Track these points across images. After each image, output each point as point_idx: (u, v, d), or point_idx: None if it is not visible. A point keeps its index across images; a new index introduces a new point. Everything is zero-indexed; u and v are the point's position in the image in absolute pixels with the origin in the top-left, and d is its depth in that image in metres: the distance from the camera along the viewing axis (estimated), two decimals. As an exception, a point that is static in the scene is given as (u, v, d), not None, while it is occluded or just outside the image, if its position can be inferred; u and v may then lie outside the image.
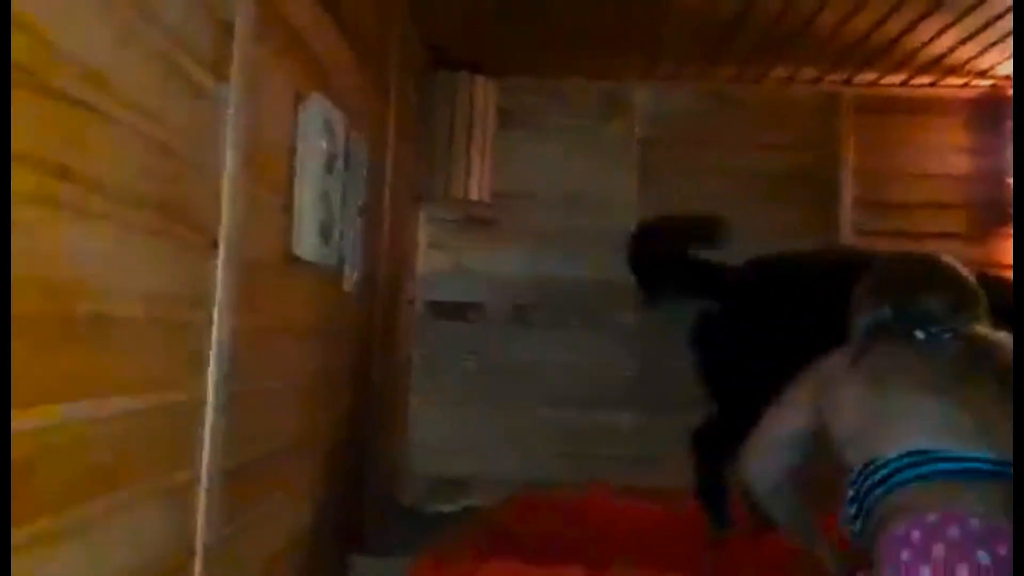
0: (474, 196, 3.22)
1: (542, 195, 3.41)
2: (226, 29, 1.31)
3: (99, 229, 1.00)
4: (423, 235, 3.37)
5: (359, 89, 2.22)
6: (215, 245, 1.31)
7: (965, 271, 1.56)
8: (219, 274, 1.32)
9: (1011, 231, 3.10)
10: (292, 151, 1.67)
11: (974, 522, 1.19)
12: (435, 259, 3.37)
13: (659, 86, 3.44)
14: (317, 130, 1.71)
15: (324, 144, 1.77)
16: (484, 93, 3.28)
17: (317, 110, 1.71)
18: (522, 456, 3.29)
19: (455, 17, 2.94)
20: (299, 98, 1.68)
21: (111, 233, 1.03)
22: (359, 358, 2.38)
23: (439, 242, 3.39)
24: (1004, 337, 1.43)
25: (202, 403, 1.29)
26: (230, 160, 1.34)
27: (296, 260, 1.69)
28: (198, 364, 1.28)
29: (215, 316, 1.31)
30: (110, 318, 1.04)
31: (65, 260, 0.91)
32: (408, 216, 3.14)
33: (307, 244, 1.68)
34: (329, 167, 1.78)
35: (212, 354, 1.31)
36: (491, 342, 3.35)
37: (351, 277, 2.10)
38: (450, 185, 3.19)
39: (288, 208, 1.66)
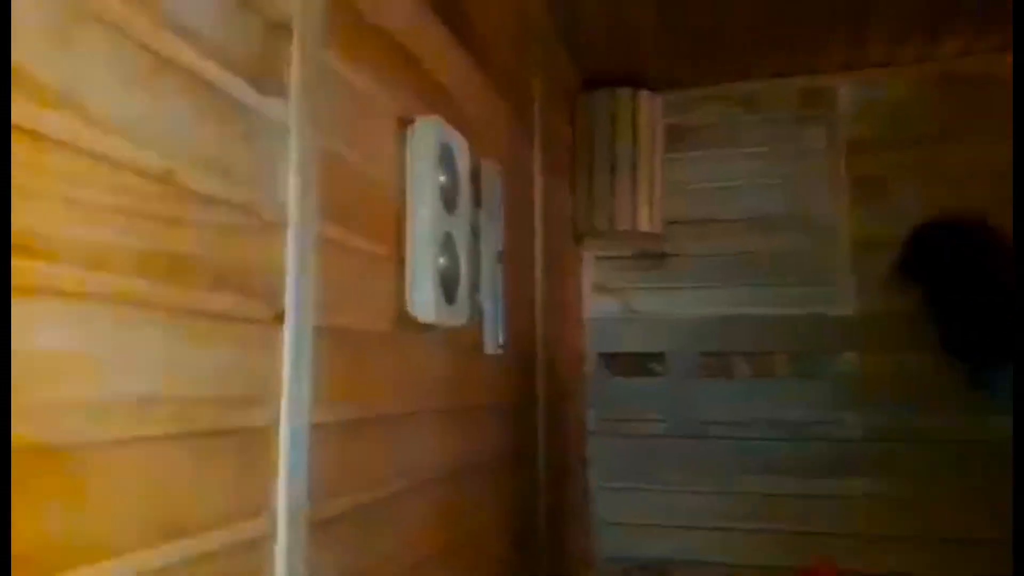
0: (644, 227, 2.76)
1: (727, 219, 2.88)
2: (277, 28, 0.98)
3: (87, 313, 0.68)
4: (588, 277, 2.94)
5: (492, 114, 1.86)
6: (280, 317, 0.97)
7: None
8: (287, 355, 0.97)
9: None
10: (398, 187, 1.32)
11: None
12: (605, 304, 2.93)
13: (868, 76, 2.81)
14: (430, 160, 1.35)
15: (442, 177, 1.41)
16: (649, 109, 2.83)
17: (430, 135, 1.36)
18: (727, 535, 2.72)
19: (610, 28, 2.54)
20: (403, 121, 1.34)
21: (109, 317, 0.70)
22: (517, 433, 1.98)
23: (608, 284, 2.94)
24: None
25: (268, 540, 0.93)
26: (295, 199, 1.00)
27: (412, 323, 1.32)
28: (260, 487, 0.93)
29: (282, 415, 0.96)
30: (116, 442, 0.71)
31: (36, 365, 0.60)
32: (568, 257, 2.74)
33: (425, 302, 1.31)
34: (449, 205, 1.41)
35: (281, 470, 0.95)
36: (680, 398, 2.82)
37: (494, 336, 1.72)
38: (615, 217, 2.76)
39: (397, 258, 1.30)
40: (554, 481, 2.30)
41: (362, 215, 1.20)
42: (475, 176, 1.70)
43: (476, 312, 1.65)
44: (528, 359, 2.09)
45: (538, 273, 2.19)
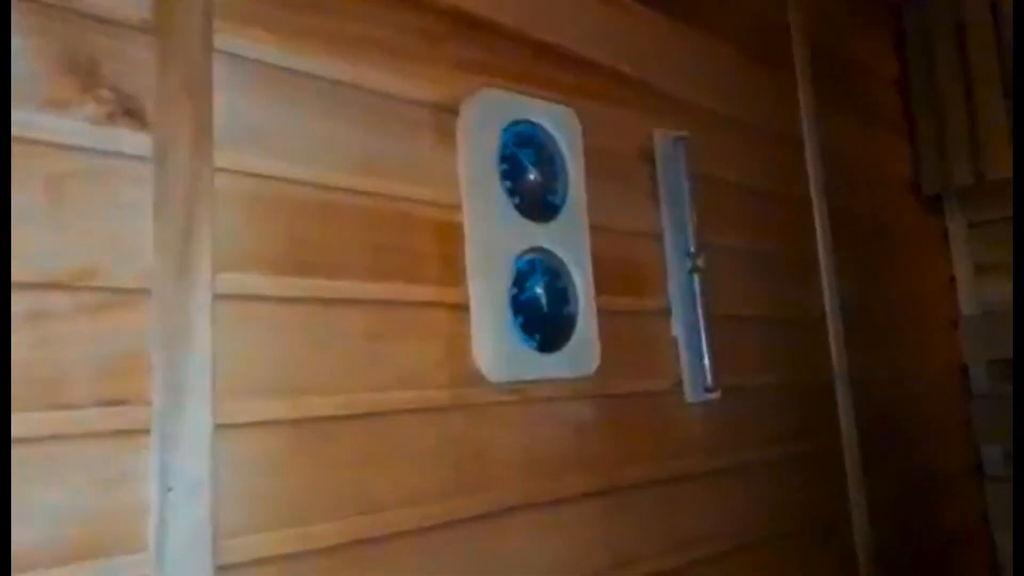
0: (1035, 169, 1.82)
1: None
2: (109, 24, 0.71)
3: None
4: (959, 254, 2.06)
5: (674, 65, 1.34)
6: (145, 429, 0.69)
7: None
8: (153, 483, 0.68)
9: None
10: (451, 201, 0.94)
11: None
12: (988, 289, 2.00)
13: None
14: (486, 152, 0.95)
15: (531, 175, 0.99)
16: (1021, -6, 1.90)
17: (485, 118, 0.96)
18: None
19: None
20: (444, 109, 0.96)
21: None
22: (791, 505, 1.37)
23: (989, 260, 2.01)
24: None
25: None
26: (163, 258, 0.71)
27: (487, 387, 0.92)
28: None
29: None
30: None
31: None
32: (911, 232, 1.95)
33: (489, 354, 0.90)
34: (536, 209, 0.98)
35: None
36: None
37: (698, 377, 1.18)
38: (985, 163, 1.88)
39: (452, 302, 0.92)
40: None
41: (372, 252, 0.86)
42: (645, 155, 1.23)
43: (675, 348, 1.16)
44: (817, 394, 1.47)
45: (825, 272, 1.54)
